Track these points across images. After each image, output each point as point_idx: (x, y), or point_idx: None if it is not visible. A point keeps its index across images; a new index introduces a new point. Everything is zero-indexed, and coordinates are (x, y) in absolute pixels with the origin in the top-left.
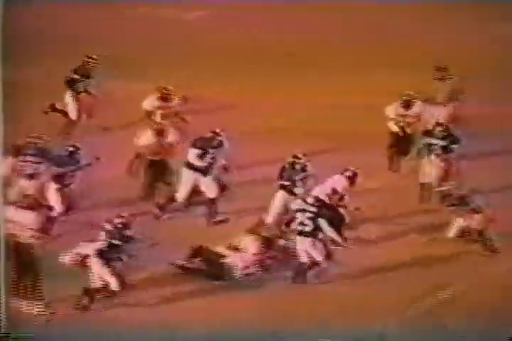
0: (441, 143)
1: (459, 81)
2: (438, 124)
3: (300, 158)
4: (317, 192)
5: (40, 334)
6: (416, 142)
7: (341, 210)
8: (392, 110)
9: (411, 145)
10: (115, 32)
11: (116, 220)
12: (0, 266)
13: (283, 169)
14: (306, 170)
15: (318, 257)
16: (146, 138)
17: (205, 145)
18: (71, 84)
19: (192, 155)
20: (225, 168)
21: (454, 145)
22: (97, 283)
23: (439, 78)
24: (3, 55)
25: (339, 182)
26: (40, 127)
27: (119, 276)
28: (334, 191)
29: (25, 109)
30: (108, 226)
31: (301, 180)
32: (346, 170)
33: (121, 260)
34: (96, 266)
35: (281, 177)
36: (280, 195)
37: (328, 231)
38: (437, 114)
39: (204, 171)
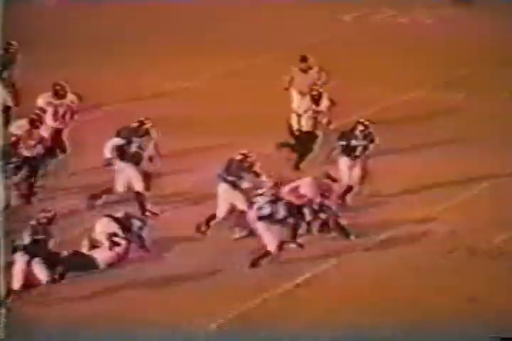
0: (363, 143)
1: (319, 71)
2: (359, 123)
3: (249, 157)
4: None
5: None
6: (326, 142)
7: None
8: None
9: (313, 144)
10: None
11: (42, 215)
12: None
13: (230, 163)
14: (253, 167)
15: (271, 246)
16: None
17: (130, 134)
18: None
19: (109, 144)
20: (151, 159)
21: (371, 145)
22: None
23: (302, 69)
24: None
25: (305, 185)
26: None
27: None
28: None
29: None
30: (32, 222)
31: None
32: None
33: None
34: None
35: (227, 171)
36: (223, 189)
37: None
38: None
39: (135, 161)
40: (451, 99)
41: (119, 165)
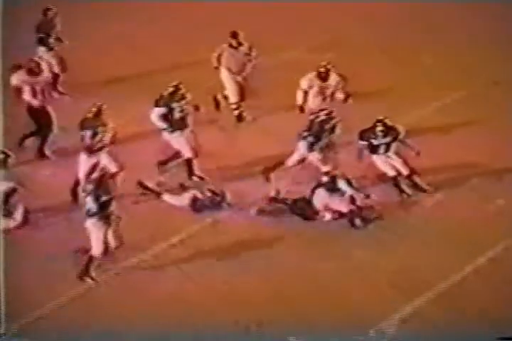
0: (384, 141)
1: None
2: (378, 122)
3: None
4: None
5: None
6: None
7: None
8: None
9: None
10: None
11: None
12: (0, 267)
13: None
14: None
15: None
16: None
17: (169, 101)
18: (41, 41)
19: (154, 115)
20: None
21: (393, 143)
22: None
23: (233, 46)
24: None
25: None
26: None
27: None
28: None
29: None
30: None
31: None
32: None
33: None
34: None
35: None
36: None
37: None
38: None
39: (181, 127)
40: None
41: (167, 135)
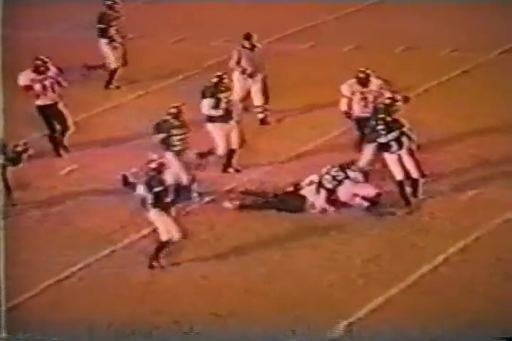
0: (393, 137)
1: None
2: (379, 120)
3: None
4: None
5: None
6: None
7: None
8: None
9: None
10: None
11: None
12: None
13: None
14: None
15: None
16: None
17: (215, 91)
18: (102, 32)
19: (205, 106)
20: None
21: (403, 137)
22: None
23: (247, 47)
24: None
25: None
26: None
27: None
28: None
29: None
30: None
31: None
32: None
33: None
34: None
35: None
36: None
37: None
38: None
39: (225, 118)
40: None
41: (210, 125)
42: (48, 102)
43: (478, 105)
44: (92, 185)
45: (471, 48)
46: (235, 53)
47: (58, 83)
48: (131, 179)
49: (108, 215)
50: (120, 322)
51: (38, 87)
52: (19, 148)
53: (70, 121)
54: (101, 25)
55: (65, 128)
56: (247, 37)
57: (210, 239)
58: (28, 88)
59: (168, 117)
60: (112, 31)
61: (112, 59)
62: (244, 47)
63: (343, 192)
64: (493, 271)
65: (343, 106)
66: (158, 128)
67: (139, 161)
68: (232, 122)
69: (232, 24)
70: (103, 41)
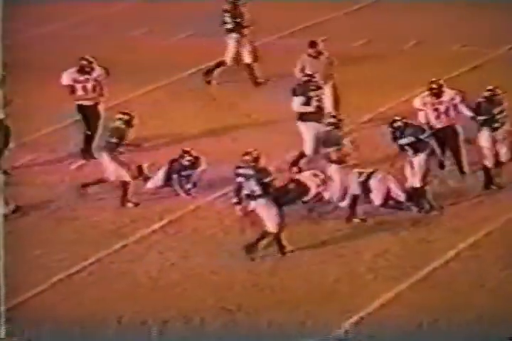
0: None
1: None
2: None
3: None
4: None
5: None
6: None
7: None
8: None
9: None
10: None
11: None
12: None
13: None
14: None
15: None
16: None
17: (305, 90)
18: (234, 29)
19: (296, 104)
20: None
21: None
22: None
23: (312, 55)
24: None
25: None
26: None
27: None
28: None
29: None
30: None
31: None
32: None
33: None
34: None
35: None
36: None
37: None
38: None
39: (317, 117)
40: None
41: (304, 126)
42: (88, 103)
43: None
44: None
45: (481, 43)
46: (298, 62)
47: (100, 84)
48: (145, 171)
49: (118, 210)
50: (130, 317)
51: (79, 87)
52: None
53: (101, 123)
54: (229, 21)
55: (94, 129)
56: (312, 45)
57: (218, 234)
58: (70, 88)
59: None
60: (241, 27)
61: (230, 55)
62: (309, 55)
63: (377, 190)
64: (503, 266)
65: (421, 119)
66: None
67: (148, 155)
68: (324, 121)
69: None
70: (231, 37)
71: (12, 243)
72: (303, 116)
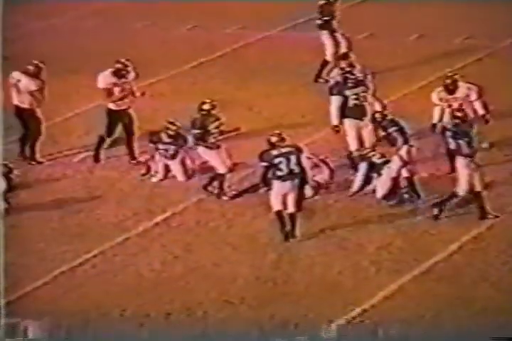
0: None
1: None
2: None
3: None
4: None
5: None
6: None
7: None
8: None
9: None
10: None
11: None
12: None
13: None
14: None
15: None
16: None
17: (341, 88)
18: (324, 24)
19: (333, 103)
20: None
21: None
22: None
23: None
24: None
25: None
26: None
27: None
28: None
29: None
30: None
31: None
32: None
33: None
34: None
35: None
36: None
37: None
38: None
39: (358, 114)
40: None
41: (346, 121)
42: (121, 108)
43: (491, 93)
44: (103, 172)
45: (484, 36)
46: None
47: (132, 88)
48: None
49: (121, 202)
50: (133, 310)
51: (117, 91)
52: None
53: (135, 126)
54: (324, 17)
55: (131, 132)
56: (345, 57)
57: (221, 227)
58: (107, 91)
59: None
60: (334, 23)
61: (331, 51)
62: (340, 68)
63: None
64: (506, 259)
65: (435, 117)
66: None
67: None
68: (366, 119)
69: (245, 12)
70: (324, 33)
71: (14, 236)
72: (345, 114)
